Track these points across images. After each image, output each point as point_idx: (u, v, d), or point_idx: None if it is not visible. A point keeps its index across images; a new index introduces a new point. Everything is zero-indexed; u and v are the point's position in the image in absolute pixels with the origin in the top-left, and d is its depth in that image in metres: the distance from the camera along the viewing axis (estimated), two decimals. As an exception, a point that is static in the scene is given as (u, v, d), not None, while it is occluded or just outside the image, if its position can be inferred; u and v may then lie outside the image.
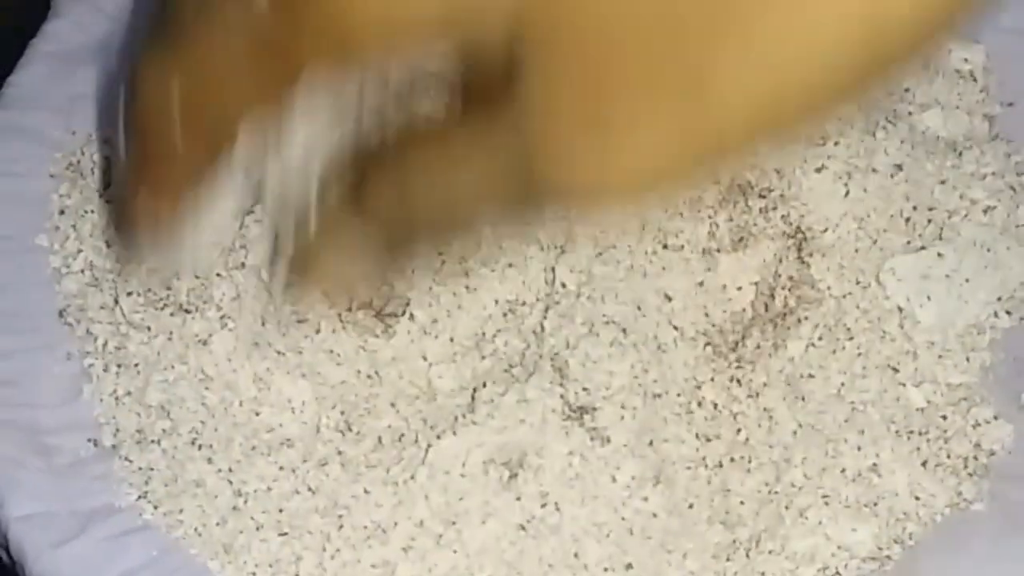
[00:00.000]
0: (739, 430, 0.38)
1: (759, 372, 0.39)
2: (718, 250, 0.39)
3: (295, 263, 0.32)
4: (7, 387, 0.38)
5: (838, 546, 0.37)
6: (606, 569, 0.36)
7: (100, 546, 0.36)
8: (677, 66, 0.23)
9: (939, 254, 0.40)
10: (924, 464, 0.38)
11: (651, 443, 0.37)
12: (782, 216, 0.40)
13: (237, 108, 0.29)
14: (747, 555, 0.37)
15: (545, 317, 0.39)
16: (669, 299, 0.38)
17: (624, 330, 0.38)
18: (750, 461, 0.38)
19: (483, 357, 0.38)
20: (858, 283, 0.40)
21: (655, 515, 0.36)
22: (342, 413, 0.38)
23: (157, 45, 0.30)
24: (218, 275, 0.39)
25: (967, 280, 0.40)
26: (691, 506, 0.37)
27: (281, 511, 0.36)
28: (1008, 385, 0.39)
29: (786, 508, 0.37)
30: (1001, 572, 0.36)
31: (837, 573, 0.36)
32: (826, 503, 0.37)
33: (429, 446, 0.37)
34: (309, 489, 0.37)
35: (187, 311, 0.39)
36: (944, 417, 0.38)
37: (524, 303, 0.39)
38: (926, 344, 0.39)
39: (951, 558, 0.36)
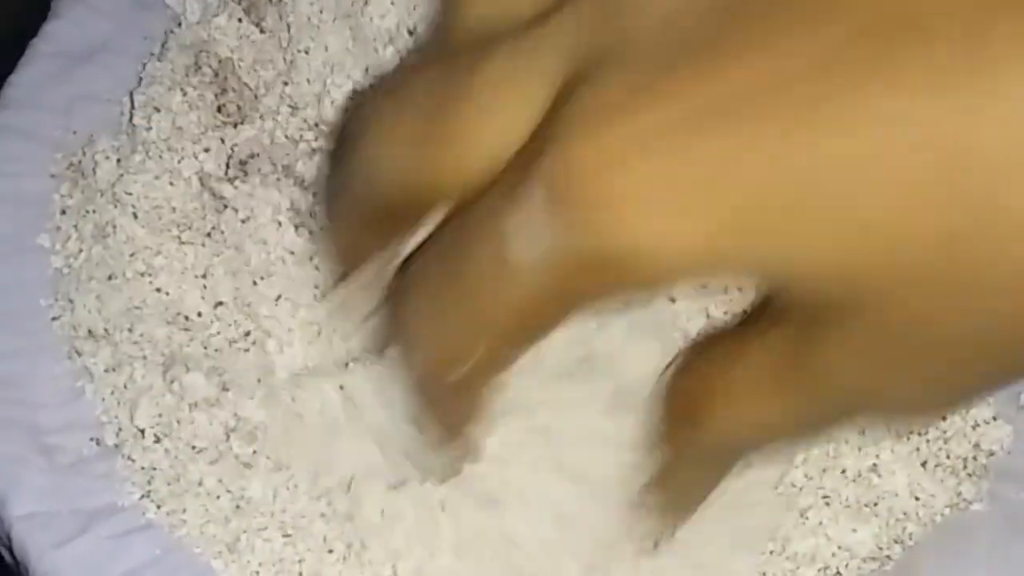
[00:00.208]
0: (740, 430, 0.38)
1: (760, 373, 0.39)
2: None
3: None
4: (8, 387, 0.38)
5: (839, 546, 0.37)
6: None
7: (103, 545, 0.36)
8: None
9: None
10: (924, 464, 0.38)
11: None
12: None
13: None
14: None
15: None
16: (672, 301, 0.38)
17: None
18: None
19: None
20: (858, 284, 0.40)
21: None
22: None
23: None
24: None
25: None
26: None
27: (284, 511, 0.36)
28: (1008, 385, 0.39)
29: (787, 508, 0.37)
30: (1001, 572, 0.36)
31: (838, 573, 0.36)
32: (827, 503, 0.37)
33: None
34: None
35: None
36: (943, 418, 0.38)
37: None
38: (926, 345, 0.39)
39: (951, 558, 0.37)
